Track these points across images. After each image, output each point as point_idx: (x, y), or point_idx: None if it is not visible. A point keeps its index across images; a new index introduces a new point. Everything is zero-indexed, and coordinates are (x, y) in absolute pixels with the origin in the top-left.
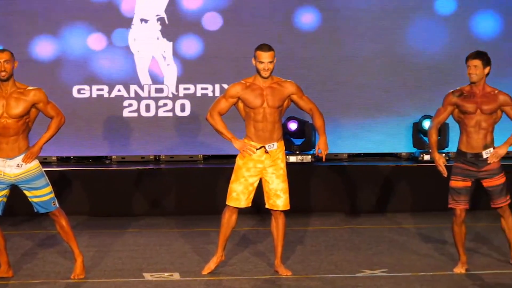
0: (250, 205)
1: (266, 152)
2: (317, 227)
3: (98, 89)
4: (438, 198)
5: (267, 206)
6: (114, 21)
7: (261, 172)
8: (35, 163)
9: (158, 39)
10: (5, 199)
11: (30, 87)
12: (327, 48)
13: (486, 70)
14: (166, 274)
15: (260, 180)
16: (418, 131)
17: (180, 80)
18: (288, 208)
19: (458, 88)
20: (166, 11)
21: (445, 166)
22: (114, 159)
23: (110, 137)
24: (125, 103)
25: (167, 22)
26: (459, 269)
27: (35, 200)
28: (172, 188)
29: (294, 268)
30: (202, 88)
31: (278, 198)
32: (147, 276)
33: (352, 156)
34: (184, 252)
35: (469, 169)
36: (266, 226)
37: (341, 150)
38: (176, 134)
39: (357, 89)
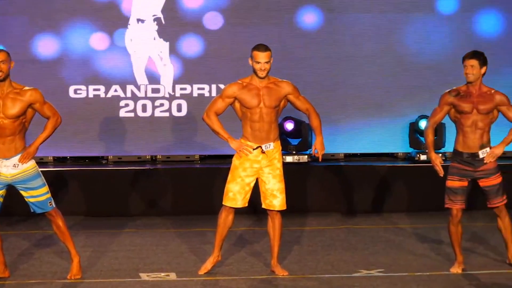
0: (246, 205)
1: (263, 152)
2: (313, 227)
3: (94, 89)
4: (434, 198)
5: (263, 206)
6: (115, 21)
7: (257, 172)
8: (32, 163)
9: (154, 39)
10: (1, 199)
11: (27, 87)
12: (326, 48)
13: (483, 70)
14: (162, 274)
15: (257, 180)
16: (414, 131)
17: (176, 80)
18: (284, 208)
19: (454, 88)
20: (166, 10)
21: (442, 166)
22: (110, 159)
23: (106, 137)
24: (122, 103)
25: (163, 22)
26: (456, 269)
27: (31, 200)
28: (169, 188)
29: (290, 268)
30: (198, 88)
31: (275, 198)
32: (144, 276)
33: (349, 156)
34: (181, 252)
35: (465, 169)
36: (263, 226)
37: (338, 150)
38: (172, 134)
39: (355, 89)
